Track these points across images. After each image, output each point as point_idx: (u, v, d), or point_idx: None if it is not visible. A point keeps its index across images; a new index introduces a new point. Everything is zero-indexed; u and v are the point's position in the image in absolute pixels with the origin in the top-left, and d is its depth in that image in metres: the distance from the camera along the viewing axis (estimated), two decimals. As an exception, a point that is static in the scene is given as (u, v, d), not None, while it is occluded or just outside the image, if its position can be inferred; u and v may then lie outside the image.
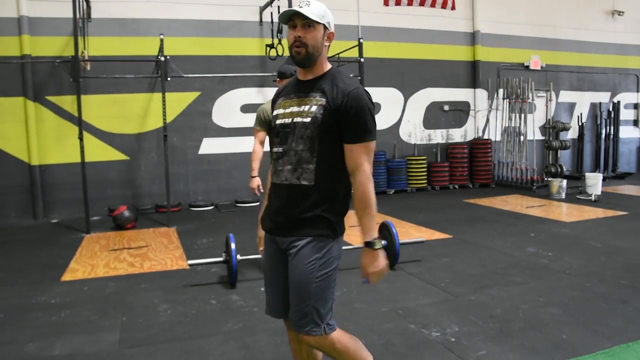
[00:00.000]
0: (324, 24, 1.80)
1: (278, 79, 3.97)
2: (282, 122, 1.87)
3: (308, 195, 1.78)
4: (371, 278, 1.81)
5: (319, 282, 1.79)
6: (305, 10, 1.75)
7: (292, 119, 1.83)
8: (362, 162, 1.76)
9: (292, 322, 1.86)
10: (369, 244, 1.79)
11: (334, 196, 1.83)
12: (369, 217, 1.79)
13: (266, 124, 3.84)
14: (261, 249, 2.02)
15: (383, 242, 1.78)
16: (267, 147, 3.60)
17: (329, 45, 1.88)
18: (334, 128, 1.77)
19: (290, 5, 6.86)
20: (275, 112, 1.94)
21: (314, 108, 1.79)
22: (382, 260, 1.79)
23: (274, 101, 2.02)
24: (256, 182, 4.02)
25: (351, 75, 7.86)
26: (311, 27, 1.78)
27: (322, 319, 1.80)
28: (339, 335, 1.86)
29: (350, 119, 1.75)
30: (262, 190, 4.02)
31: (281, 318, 2.00)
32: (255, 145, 3.97)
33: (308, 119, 1.79)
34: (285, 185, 1.84)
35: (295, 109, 1.84)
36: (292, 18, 1.79)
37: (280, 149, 1.87)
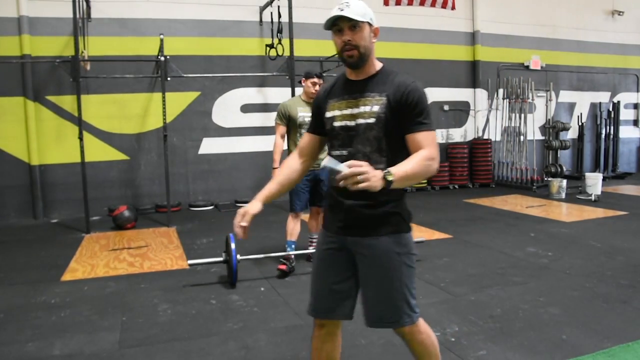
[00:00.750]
0: (368, 22, 1.79)
1: (303, 79, 4.31)
2: (343, 124, 1.85)
3: (379, 194, 1.67)
4: (354, 173, 1.53)
5: (406, 275, 1.83)
6: (348, 12, 1.74)
7: (355, 121, 1.82)
8: (427, 144, 1.75)
9: (372, 320, 1.87)
10: (386, 172, 1.60)
11: (403, 191, 1.85)
12: (409, 166, 1.68)
13: (286, 119, 4.27)
14: (243, 224, 1.83)
15: (392, 182, 1.60)
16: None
17: (375, 41, 1.86)
18: (397, 124, 1.78)
19: (290, 5, 6.86)
20: (329, 114, 1.90)
21: (376, 108, 1.79)
22: (377, 179, 1.56)
23: (321, 101, 1.97)
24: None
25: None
26: (357, 28, 1.77)
27: (412, 309, 1.86)
28: (423, 325, 1.93)
29: (411, 110, 1.77)
30: None
31: (327, 318, 1.96)
32: (276, 139, 4.32)
33: (372, 120, 1.79)
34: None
35: (355, 110, 1.83)
36: (337, 22, 1.78)
37: (345, 152, 1.84)
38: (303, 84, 4.31)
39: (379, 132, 1.79)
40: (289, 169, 2.03)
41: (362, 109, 1.81)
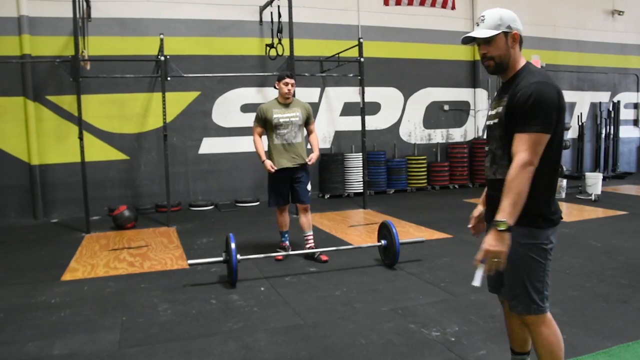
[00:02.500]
0: (503, 32, 1.90)
1: (277, 82, 4.61)
2: (488, 123, 2.07)
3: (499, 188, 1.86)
4: (483, 255, 1.84)
5: (528, 266, 1.91)
6: (477, 33, 1.92)
7: (492, 121, 2.01)
8: (522, 149, 1.80)
9: (508, 302, 2.03)
10: (493, 223, 1.81)
11: (532, 187, 1.82)
12: (508, 200, 1.79)
13: (262, 121, 4.59)
14: (470, 226, 2.27)
15: (510, 225, 1.78)
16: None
17: (518, 44, 1.95)
18: (514, 124, 1.85)
19: (290, 5, 6.87)
20: (489, 113, 2.09)
21: (500, 109, 1.93)
22: (502, 242, 1.80)
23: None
24: (269, 163, 4.52)
25: (351, 75, 7.92)
26: (491, 42, 1.92)
27: (532, 301, 1.93)
28: (550, 323, 1.99)
29: (522, 110, 1.81)
30: (275, 168, 4.48)
31: (492, 291, 2.21)
32: (254, 138, 4.67)
33: (497, 120, 1.96)
34: (490, 181, 2.05)
35: (493, 111, 2.01)
36: (472, 42, 1.98)
37: (487, 148, 2.07)
38: (277, 87, 4.56)
39: (500, 131, 1.94)
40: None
41: (496, 110, 1.98)
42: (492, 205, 1.98)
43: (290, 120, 4.52)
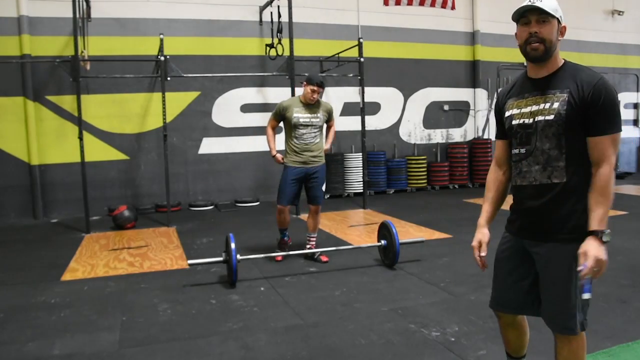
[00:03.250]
0: (557, 18, 1.81)
1: (304, 82, 4.39)
2: (521, 122, 1.84)
3: (562, 193, 1.74)
4: (592, 263, 1.69)
5: (576, 280, 1.80)
6: (542, 4, 1.75)
7: (534, 118, 1.80)
8: (609, 154, 1.70)
9: (550, 323, 1.89)
10: (596, 233, 1.68)
11: (583, 195, 1.74)
12: (604, 208, 1.69)
13: (281, 117, 4.45)
14: (483, 254, 2.08)
15: (607, 239, 1.68)
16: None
17: (561, 40, 1.85)
18: (580, 122, 1.72)
19: (290, 5, 6.87)
20: (507, 114, 1.90)
21: (556, 104, 1.75)
22: (604, 253, 1.68)
23: (500, 104, 1.98)
24: (279, 155, 4.50)
25: (351, 75, 7.92)
26: (546, 22, 1.78)
27: (583, 317, 1.86)
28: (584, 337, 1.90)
29: (598, 110, 1.69)
30: (283, 160, 4.47)
31: (509, 313, 2.03)
32: (267, 129, 4.55)
33: (551, 117, 1.75)
34: (538, 185, 1.81)
35: (534, 107, 1.81)
36: (526, 14, 1.78)
37: (524, 150, 1.84)
38: (303, 87, 4.39)
39: (558, 129, 1.75)
40: (494, 183, 2.06)
41: (542, 106, 1.78)
42: (537, 215, 1.83)
43: (311, 121, 4.40)
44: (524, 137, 1.83)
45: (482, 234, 2.06)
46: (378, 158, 9.00)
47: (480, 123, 10.26)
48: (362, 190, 8.08)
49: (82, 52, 6.61)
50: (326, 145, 4.60)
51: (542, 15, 1.76)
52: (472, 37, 10.06)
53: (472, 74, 10.12)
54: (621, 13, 11.49)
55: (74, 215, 7.23)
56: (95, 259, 4.90)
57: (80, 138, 6.11)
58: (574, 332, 1.83)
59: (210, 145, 8.23)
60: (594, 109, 1.69)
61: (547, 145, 1.78)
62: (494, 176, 2.06)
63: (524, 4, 1.78)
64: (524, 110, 1.84)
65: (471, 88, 10.16)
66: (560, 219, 1.78)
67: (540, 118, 1.78)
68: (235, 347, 2.84)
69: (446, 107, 9.91)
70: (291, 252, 4.59)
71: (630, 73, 11.90)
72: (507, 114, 1.91)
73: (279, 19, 7.56)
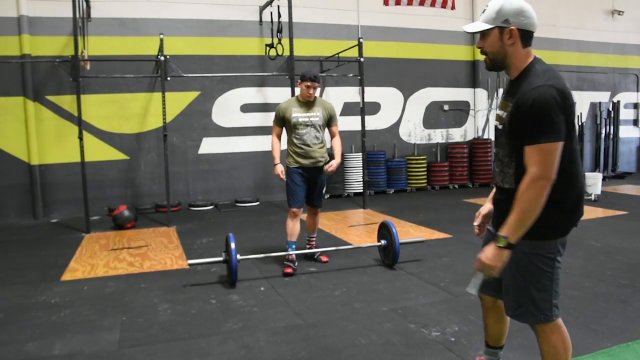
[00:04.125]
0: (498, 26, 1.76)
1: (299, 80, 4.30)
2: (495, 124, 1.92)
3: (512, 198, 1.74)
4: (478, 265, 1.80)
5: (533, 276, 1.86)
6: (470, 27, 1.83)
7: (498, 124, 1.89)
8: (531, 163, 1.69)
9: (507, 309, 1.98)
10: (496, 236, 1.76)
11: (549, 202, 1.74)
12: (514, 215, 1.71)
13: (281, 120, 4.33)
14: (476, 223, 2.25)
15: (512, 245, 1.73)
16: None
17: (520, 41, 1.79)
18: (519, 131, 1.72)
19: (290, 5, 6.87)
20: (497, 113, 1.96)
21: (505, 114, 1.81)
22: (498, 259, 1.74)
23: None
24: (279, 168, 4.32)
25: (351, 75, 7.92)
26: (485, 35, 1.80)
27: (538, 309, 1.89)
28: (558, 329, 1.97)
29: (524, 118, 1.69)
30: (284, 177, 4.33)
31: (486, 294, 2.15)
32: (272, 139, 4.43)
33: (501, 126, 1.83)
34: (498, 187, 1.96)
35: (500, 112, 1.88)
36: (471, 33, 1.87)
37: (495, 151, 1.98)
38: (298, 85, 4.32)
39: (506, 138, 1.82)
40: None
41: (501, 113, 1.86)
42: (498, 209, 1.96)
43: (310, 120, 4.26)
44: (496, 141, 1.95)
45: (484, 207, 2.19)
46: (378, 158, 9.00)
47: (480, 123, 10.26)
48: (362, 190, 8.09)
49: (82, 52, 6.61)
50: (336, 160, 4.33)
51: (479, 32, 1.80)
52: (472, 37, 10.05)
53: (472, 74, 10.12)
54: (621, 13, 11.49)
55: (74, 215, 7.23)
56: (95, 259, 4.90)
57: (80, 138, 6.11)
58: (521, 320, 1.93)
59: (210, 145, 8.23)
60: (522, 118, 1.70)
61: (502, 152, 1.87)
62: None
63: (465, 26, 1.88)
64: (498, 112, 1.92)
65: (471, 88, 10.16)
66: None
67: (499, 125, 1.86)
68: (235, 347, 2.84)
69: (446, 107, 9.91)
70: (292, 252, 4.52)
71: (630, 73, 11.90)
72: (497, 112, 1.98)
73: (278, 18, 7.56)
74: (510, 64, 1.81)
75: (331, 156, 4.42)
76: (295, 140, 4.29)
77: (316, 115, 4.29)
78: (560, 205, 1.79)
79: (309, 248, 4.63)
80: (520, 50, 1.80)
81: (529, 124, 1.68)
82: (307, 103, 4.30)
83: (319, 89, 4.30)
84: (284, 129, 4.41)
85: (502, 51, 1.79)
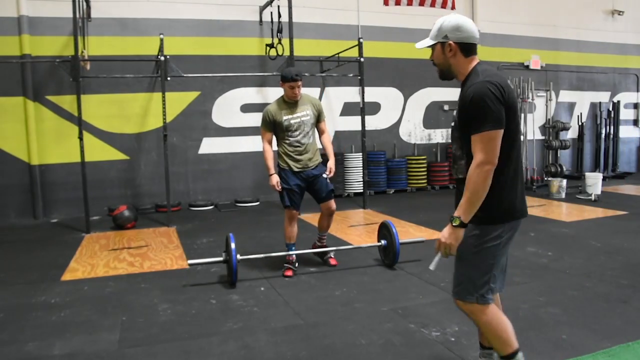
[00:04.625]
0: (439, 41, 2.04)
1: (281, 82, 4.13)
2: (452, 124, 2.28)
3: (463, 186, 1.98)
4: (439, 246, 2.02)
5: (472, 259, 2.03)
6: (418, 44, 2.13)
7: (453, 123, 2.17)
8: (476, 150, 1.89)
9: (453, 288, 2.16)
10: (451, 218, 1.96)
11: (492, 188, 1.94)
12: (466, 198, 1.92)
13: (271, 124, 4.14)
14: None
15: (465, 223, 1.94)
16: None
17: (460, 53, 2.02)
18: (465, 124, 1.96)
19: (290, 5, 6.87)
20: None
21: (455, 112, 2.11)
22: (453, 236, 1.96)
23: None
24: (275, 178, 4.16)
25: (351, 75, 7.92)
26: (434, 50, 2.08)
27: (475, 290, 2.04)
28: (489, 311, 2.08)
29: (467, 111, 1.93)
30: (279, 188, 4.16)
31: None
32: (264, 146, 4.25)
33: (453, 123, 2.13)
34: (455, 179, 2.24)
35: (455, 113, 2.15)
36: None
37: (454, 146, 2.26)
38: (282, 86, 4.12)
39: (457, 133, 2.09)
40: None
41: (455, 113, 2.15)
42: (457, 199, 2.14)
43: (302, 120, 4.12)
44: (451, 137, 2.26)
45: None
46: (378, 158, 8.99)
47: (480, 123, 10.24)
48: (362, 190, 8.08)
49: (82, 52, 6.61)
50: (331, 161, 4.24)
51: (428, 47, 2.08)
52: (472, 37, 10.04)
53: (472, 74, 10.10)
54: (621, 13, 11.48)
55: (74, 215, 7.23)
56: (95, 259, 4.90)
57: (80, 138, 6.11)
58: (458, 297, 2.10)
59: (210, 145, 8.23)
60: (466, 112, 1.94)
61: (455, 146, 2.18)
62: None
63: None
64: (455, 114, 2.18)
65: (471, 88, 10.14)
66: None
67: (453, 124, 2.17)
68: (235, 347, 2.84)
69: (446, 107, 9.90)
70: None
71: (630, 73, 11.90)
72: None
73: (279, 18, 7.56)
74: (455, 72, 2.06)
75: (323, 156, 4.31)
76: (287, 144, 4.15)
77: (306, 114, 4.15)
78: (502, 193, 1.99)
79: (319, 247, 4.52)
80: (462, 60, 2.03)
81: (472, 115, 1.90)
82: (295, 103, 4.14)
83: (301, 87, 4.12)
84: (273, 133, 4.25)
85: (446, 62, 2.05)
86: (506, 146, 1.92)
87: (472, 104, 1.89)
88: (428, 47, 2.08)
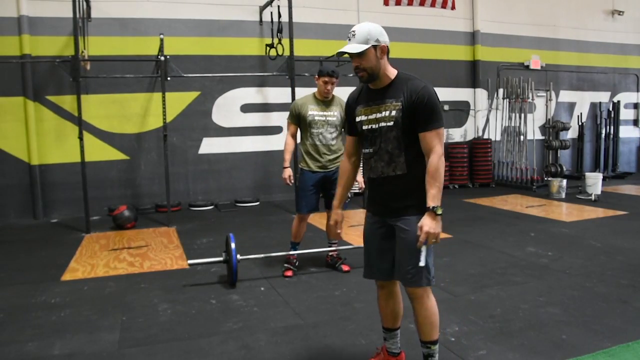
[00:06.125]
0: (372, 46, 2.11)
1: (315, 76, 4.14)
2: (369, 127, 2.25)
3: (405, 181, 2.19)
4: (427, 237, 2.10)
5: (428, 247, 2.17)
6: (348, 48, 2.11)
7: (378, 124, 2.20)
8: (434, 144, 2.11)
9: (403, 279, 2.26)
10: (433, 209, 2.10)
11: (422, 180, 2.16)
12: (436, 189, 2.12)
13: (296, 117, 4.13)
14: (339, 231, 2.66)
15: (440, 212, 2.12)
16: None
17: (386, 56, 2.18)
18: (410, 124, 2.13)
19: (290, 5, 6.87)
20: (358, 119, 2.30)
21: (394, 112, 2.15)
22: (440, 225, 2.13)
23: (351, 107, 2.37)
24: (288, 172, 4.16)
25: (351, 75, 7.92)
26: (362, 55, 2.11)
27: (430, 275, 2.23)
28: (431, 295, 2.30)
29: (423, 111, 2.11)
30: (292, 181, 4.19)
31: (380, 279, 2.41)
32: (287, 138, 4.21)
33: (391, 123, 2.16)
34: (385, 177, 2.23)
35: (378, 115, 2.20)
36: (344, 55, 2.17)
37: (371, 150, 2.26)
38: (316, 82, 4.10)
39: (397, 133, 2.16)
40: (344, 172, 2.52)
41: (384, 113, 2.18)
42: (387, 196, 2.24)
43: (327, 119, 4.05)
44: (372, 140, 2.24)
45: (335, 213, 2.59)
46: (378, 158, 8.98)
47: (480, 123, 10.26)
48: (362, 191, 8.07)
49: (82, 52, 6.61)
50: (359, 175, 4.03)
51: (355, 53, 2.10)
52: (472, 37, 10.06)
53: (472, 74, 10.12)
54: (621, 13, 11.49)
55: (74, 215, 7.23)
56: (95, 259, 4.90)
57: (80, 138, 6.11)
58: (415, 284, 2.22)
59: (210, 145, 8.23)
60: (419, 110, 2.11)
61: (391, 145, 2.19)
62: (344, 165, 2.52)
63: (339, 50, 2.16)
64: (370, 117, 2.24)
65: (471, 88, 10.16)
66: (404, 201, 2.21)
67: (383, 124, 2.18)
68: (235, 347, 2.84)
69: (446, 107, 9.90)
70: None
71: (630, 73, 11.90)
72: (357, 119, 2.30)
73: (279, 19, 7.56)
74: (383, 75, 2.18)
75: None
76: (310, 140, 4.09)
77: (333, 115, 4.08)
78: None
79: (331, 254, 4.39)
80: (387, 63, 2.19)
81: (428, 114, 2.11)
82: (325, 101, 4.10)
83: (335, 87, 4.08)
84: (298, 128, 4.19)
85: (378, 65, 2.15)
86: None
87: (428, 104, 2.10)
88: (360, 52, 2.09)
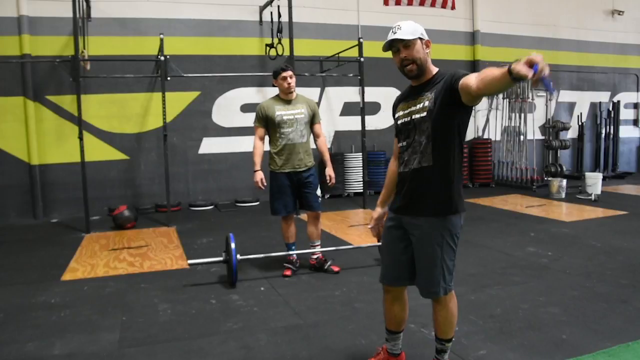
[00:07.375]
0: (418, 37, 2.12)
1: (274, 80, 4.12)
2: (404, 121, 2.23)
3: (428, 175, 2.14)
4: (531, 61, 1.65)
5: (447, 253, 2.16)
6: (400, 35, 2.09)
7: (412, 117, 2.17)
8: (472, 77, 1.94)
9: (419, 290, 2.23)
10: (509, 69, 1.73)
11: (450, 177, 2.16)
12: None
13: (264, 120, 4.08)
14: (370, 226, 2.58)
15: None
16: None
17: (430, 51, 2.19)
18: (442, 109, 2.07)
19: (290, 5, 6.87)
20: (396, 115, 2.30)
21: (427, 103, 2.11)
22: (539, 58, 1.67)
23: (395, 107, 2.36)
24: (259, 175, 4.10)
25: (351, 75, 7.93)
26: (412, 45, 2.11)
27: (446, 282, 2.16)
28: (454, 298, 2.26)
29: (452, 75, 2.05)
30: (265, 184, 4.11)
31: (388, 285, 2.41)
32: (255, 142, 4.16)
33: (425, 113, 2.11)
34: (412, 170, 2.18)
35: (413, 108, 2.18)
36: (393, 44, 2.15)
37: (405, 143, 2.23)
38: (275, 84, 4.10)
39: (429, 123, 2.11)
40: (389, 173, 2.44)
41: (418, 106, 2.15)
42: (411, 193, 2.18)
43: (295, 117, 4.05)
44: (406, 133, 2.22)
45: (375, 211, 2.52)
46: (378, 158, 8.99)
47: (480, 123, 10.26)
48: (362, 190, 8.09)
49: (82, 52, 6.61)
50: (328, 166, 4.22)
51: (405, 42, 2.10)
52: (472, 37, 10.06)
53: (472, 74, 10.10)
54: (621, 13, 11.49)
55: (74, 215, 7.23)
56: (95, 259, 4.90)
57: (80, 138, 6.11)
58: (434, 296, 2.18)
59: (210, 145, 8.23)
60: (448, 80, 2.03)
61: (422, 137, 2.14)
62: (392, 167, 2.43)
63: (389, 37, 2.15)
64: (405, 111, 2.22)
65: (471, 88, 10.14)
66: (425, 198, 2.14)
67: (420, 115, 2.13)
68: (235, 347, 2.84)
69: (446, 107, 9.90)
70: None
71: (630, 73, 11.90)
72: (396, 115, 2.30)
73: (279, 18, 7.56)
74: (427, 69, 2.17)
75: (316, 158, 4.23)
76: (280, 141, 4.07)
77: (301, 112, 4.09)
78: (461, 184, 2.23)
79: (316, 258, 4.30)
80: (430, 59, 2.19)
81: (459, 73, 2.01)
82: (290, 100, 4.10)
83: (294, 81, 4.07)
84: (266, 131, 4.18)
85: (425, 58, 2.15)
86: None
87: (454, 72, 2.04)
88: (410, 40, 2.10)
